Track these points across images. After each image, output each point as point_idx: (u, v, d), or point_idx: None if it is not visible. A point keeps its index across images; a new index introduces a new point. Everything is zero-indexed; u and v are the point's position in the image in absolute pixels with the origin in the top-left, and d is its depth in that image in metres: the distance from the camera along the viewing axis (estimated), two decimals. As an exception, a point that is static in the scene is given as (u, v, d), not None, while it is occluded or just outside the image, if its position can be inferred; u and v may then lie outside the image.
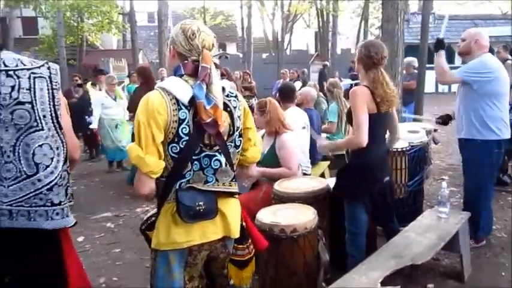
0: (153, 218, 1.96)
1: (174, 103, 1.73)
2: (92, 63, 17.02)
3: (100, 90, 7.88)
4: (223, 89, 1.87)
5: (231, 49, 31.04)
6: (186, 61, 1.81)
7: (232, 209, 1.91)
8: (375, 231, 3.30)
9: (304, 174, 3.93)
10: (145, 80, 5.90)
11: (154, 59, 22.83)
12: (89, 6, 19.82)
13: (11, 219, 1.60)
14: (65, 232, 1.81)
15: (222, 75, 6.51)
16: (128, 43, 23.18)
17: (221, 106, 1.79)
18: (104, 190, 6.16)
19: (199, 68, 1.76)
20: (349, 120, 2.81)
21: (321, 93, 7.68)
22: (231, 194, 1.91)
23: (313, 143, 4.00)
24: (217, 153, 1.82)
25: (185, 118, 1.74)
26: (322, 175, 4.70)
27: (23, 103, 1.61)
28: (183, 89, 1.76)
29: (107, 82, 7.19)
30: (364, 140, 2.63)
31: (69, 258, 1.81)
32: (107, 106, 6.88)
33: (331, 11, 22.32)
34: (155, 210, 1.97)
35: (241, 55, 23.90)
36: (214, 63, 1.84)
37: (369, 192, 2.79)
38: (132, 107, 5.99)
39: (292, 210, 2.87)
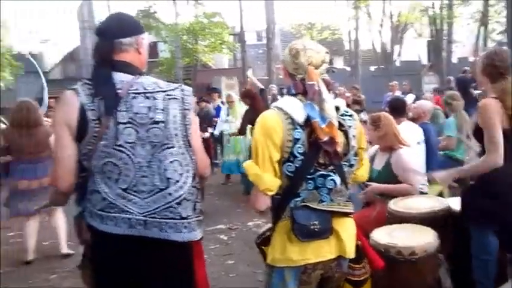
0: (268, 233, 2.00)
1: (290, 122, 1.77)
2: (205, 81, 18.09)
3: (213, 107, 8.44)
4: (338, 108, 1.86)
5: (338, 63, 30.75)
6: (295, 80, 1.85)
7: (347, 228, 1.88)
8: (505, 257, 2.97)
9: (421, 193, 3.71)
10: (252, 102, 6.19)
11: (263, 75, 23.54)
12: (203, 29, 21.16)
13: (146, 229, 1.74)
14: (197, 245, 1.93)
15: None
16: (238, 62, 24.24)
17: (336, 123, 1.78)
18: (218, 202, 6.45)
19: (306, 86, 1.79)
20: (477, 137, 2.59)
21: (437, 106, 7.22)
22: (345, 214, 1.88)
23: (429, 159, 3.77)
24: (331, 173, 1.81)
25: (300, 138, 1.76)
26: (441, 194, 4.39)
27: (157, 122, 1.76)
28: (297, 108, 1.79)
29: (227, 99, 7.74)
30: (501, 160, 2.40)
31: (199, 271, 1.93)
32: (225, 121, 7.36)
33: (446, 18, 21.03)
34: (269, 225, 2.02)
35: (348, 68, 23.58)
36: (324, 79, 1.84)
37: (500, 215, 2.53)
38: (242, 127, 6.31)
39: (409, 232, 2.72)
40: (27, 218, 4.45)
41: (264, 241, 2.04)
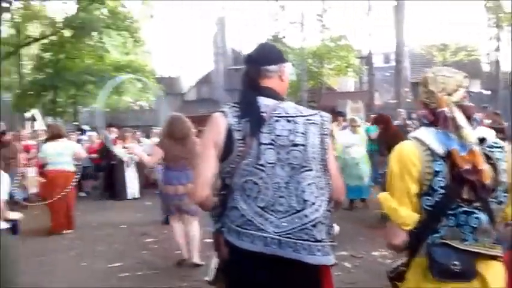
0: (402, 268, 1.91)
1: (429, 154, 1.68)
2: (329, 104, 18.07)
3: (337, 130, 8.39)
4: (483, 139, 1.72)
5: (475, 86, 28.35)
6: (427, 109, 1.77)
7: (495, 273, 1.69)
8: None
9: None
10: (386, 126, 6.03)
11: (390, 99, 22.73)
12: (329, 52, 21.29)
13: (280, 248, 1.78)
14: (327, 270, 1.95)
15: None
16: (364, 85, 23.79)
17: (478, 151, 1.65)
18: (341, 228, 6.31)
19: (436, 114, 1.70)
20: None
21: None
22: (493, 257, 1.71)
23: None
24: (476, 210, 1.66)
25: (441, 170, 1.66)
26: None
27: (297, 145, 1.83)
28: (436, 139, 1.70)
29: (350, 123, 7.68)
30: None
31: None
32: (349, 145, 7.29)
33: None
34: (403, 259, 1.93)
35: (487, 92, 21.60)
36: (463, 105, 1.73)
37: None
38: (382, 150, 6.20)
39: None
40: (174, 219, 4.92)
41: (397, 276, 1.96)
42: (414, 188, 1.68)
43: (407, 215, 1.69)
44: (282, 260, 1.79)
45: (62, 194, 6.52)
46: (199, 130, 11.41)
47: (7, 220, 3.03)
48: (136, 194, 9.92)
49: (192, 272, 4.68)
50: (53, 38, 21.64)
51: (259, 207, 1.81)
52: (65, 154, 6.80)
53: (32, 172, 9.09)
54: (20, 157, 8.91)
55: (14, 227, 3.08)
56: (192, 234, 4.85)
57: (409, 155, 1.70)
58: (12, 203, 3.34)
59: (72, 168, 6.91)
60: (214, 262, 2.27)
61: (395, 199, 1.70)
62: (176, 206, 4.79)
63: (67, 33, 21.31)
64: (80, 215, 7.61)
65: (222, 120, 1.89)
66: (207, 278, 3.54)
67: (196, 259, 4.81)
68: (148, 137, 12.18)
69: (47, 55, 22.21)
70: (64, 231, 6.67)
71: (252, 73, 1.98)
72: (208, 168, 1.89)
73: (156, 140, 10.63)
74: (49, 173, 6.87)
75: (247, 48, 24.99)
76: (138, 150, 6.62)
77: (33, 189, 9.36)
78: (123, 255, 5.41)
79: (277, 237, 1.79)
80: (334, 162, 2.00)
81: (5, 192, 3.11)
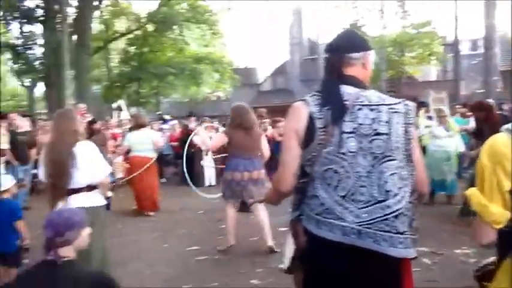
0: (490, 267, 1.79)
1: None
2: (410, 94, 17.28)
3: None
4: None
5: None
6: None
7: None
8: None
9: None
10: (488, 114, 5.56)
11: (477, 89, 21.24)
12: (410, 39, 20.32)
13: (359, 239, 1.76)
14: (407, 264, 1.88)
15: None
16: (448, 74, 22.45)
17: None
18: (422, 223, 6.05)
19: None
20: None
21: None
22: None
23: None
24: None
25: None
26: None
27: (380, 134, 1.78)
28: None
29: (438, 114, 7.28)
30: None
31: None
32: (438, 137, 6.93)
33: None
34: (491, 258, 1.81)
35: None
36: None
37: None
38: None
39: None
40: (231, 205, 5.12)
41: (485, 275, 1.84)
42: (507, 185, 1.55)
43: (499, 213, 1.56)
44: (362, 250, 1.76)
45: (143, 176, 7.21)
46: (273, 120, 11.47)
47: (106, 197, 3.31)
48: (213, 181, 10.24)
49: (266, 258, 4.75)
50: (138, 32, 22.92)
51: (339, 196, 1.79)
52: (146, 142, 7.36)
53: (118, 158, 9.72)
54: (108, 144, 9.55)
55: (108, 205, 3.34)
56: (261, 219, 5.04)
57: (503, 148, 1.57)
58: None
59: (152, 155, 7.48)
60: (290, 250, 2.28)
61: (486, 195, 1.58)
62: (241, 192, 4.98)
63: (150, 27, 22.46)
64: (161, 200, 8.04)
65: (304, 109, 1.88)
66: (281, 266, 3.59)
67: (270, 242, 4.97)
68: (224, 126, 12.47)
69: (132, 49, 23.59)
70: (149, 213, 7.21)
71: (335, 61, 1.95)
72: (292, 158, 1.90)
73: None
74: (132, 159, 7.44)
75: (324, 38, 24.64)
76: (202, 134, 6.90)
77: (119, 174, 10.03)
78: (200, 240, 5.62)
79: (356, 227, 1.76)
80: (418, 153, 1.91)
81: (107, 171, 3.39)
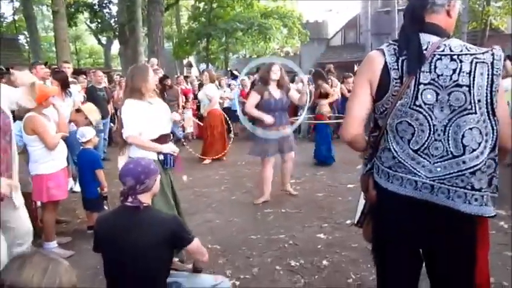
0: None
1: None
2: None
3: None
4: None
5: None
6: None
7: None
8: None
9: None
10: None
11: None
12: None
13: (431, 194, 1.69)
14: (484, 223, 1.79)
15: None
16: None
17: None
18: (501, 186, 5.71)
19: None
20: None
21: None
22: None
23: None
24: None
25: None
26: None
27: (461, 86, 1.66)
28: None
29: None
30: None
31: (481, 252, 1.79)
32: None
33: None
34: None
35: None
36: None
37: None
38: None
39: None
40: (268, 163, 5.32)
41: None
42: None
43: None
44: (433, 206, 1.70)
45: (213, 129, 7.94)
46: (344, 76, 11.11)
47: (161, 153, 3.41)
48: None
49: (333, 214, 4.75)
50: (207, -12, 22.84)
51: (412, 150, 1.72)
52: (215, 97, 7.94)
53: (189, 114, 10.02)
54: (180, 100, 9.85)
55: (165, 160, 3.44)
56: (288, 167, 5.52)
57: None
58: (175, 141, 3.74)
59: (219, 109, 8.21)
60: (360, 204, 2.25)
61: None
62: (276, 146, 5.19)
63: (219, -17, 22.28)
64: (230, 154, 8.24)
65: (379, 58, 1.79)
66: (348, 222, 3.58)
67: (289, 188, 5.61)
68: (292, 81, 12.34)
69: (201, 5, 23.63)
70: (217, 163, 7.75)
71: (417, 7, 1.80)
72: (360, 107, 1.84)
73: (300, 85, 10.74)
74: (206, 113, 8.10)
75: (399, -13, 23.04)
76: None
77: (190, 129, 10.39)
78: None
79: (429, 182, 1.69)
80: (504, 107, 1.76)
81: (168, 126, 3.51)
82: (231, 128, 8.82)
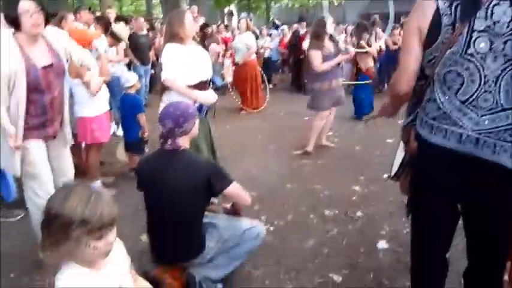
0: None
1: None
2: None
3: None
4: None
5: None
6: None
7: None
8: None
9: None
10: None
11: None
12: None
13: (476, 148, 1.62)
14: None
15: None
16: None
17: None
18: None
19: None
20: None
21: None
22: None
23: None
24: None
25: None
26: None
27: None
28: None
29: None
30: None
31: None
32: None
33: None
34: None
35: None
36: None
37: None
38: None
39: None
40: (323, 116, 5.37)
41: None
42: None
43: None
44: (476, 160, 1.63)
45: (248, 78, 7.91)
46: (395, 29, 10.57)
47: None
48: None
49: (370, 168, 4.72)
50: None
51: (459, 101, 1.64)
52: (253, 46, 7.93)
53: (227, 62, 9.96)
54: (220, 48, 9.78)
55: (200, 108, 3.48)
56: (330, 120, 5.57)
57: None
58: (214, 89, 3.77)
59: (255, 59, 8.21)
60: (398, 157, 2.21)
61: None
62: (330, 100, 5.22)
63: None
64: (268, 104, 8.22)
65: (430, 3, 1.66)
66: (385, 176, 3.54)
67: (326, 142, 5.70)
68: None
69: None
70: (253, 111, 7.87)
71: None
72: (413, 60, 1.73)
73: (343, 36, 10.40)
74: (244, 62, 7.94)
75: None
76: None
77: (229, 78, 10.37)
78: (305, 145, 5.72)
79: (475, 135, 1.62)
80: None
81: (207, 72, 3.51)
82: (264, 79, 8.75)
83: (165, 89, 3.50)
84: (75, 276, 1.17)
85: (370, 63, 7.35)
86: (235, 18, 14.17)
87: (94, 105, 3.96)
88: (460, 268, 2.01)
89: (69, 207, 1.11)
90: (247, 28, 8.01)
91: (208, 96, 3.55)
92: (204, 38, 8.96)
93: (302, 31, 10.53)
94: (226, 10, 26.79)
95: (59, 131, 2.88)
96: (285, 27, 12.60)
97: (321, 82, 5.17)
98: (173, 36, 3.36)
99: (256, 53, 10.64)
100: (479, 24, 1.58)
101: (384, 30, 10.03)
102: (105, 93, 4.08)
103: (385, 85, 9.07)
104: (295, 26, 11.72)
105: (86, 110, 3.93)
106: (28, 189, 2.72)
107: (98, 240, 1.14)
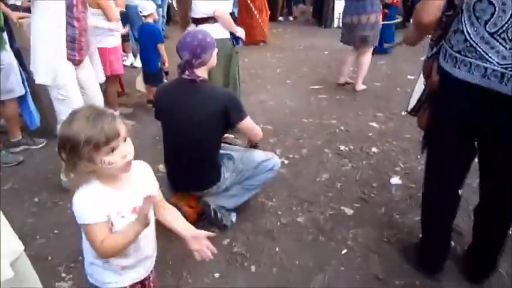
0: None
1: None
2: None
3: None
4: None
5: None
6: None
7: None
8: None
9: None
10: None
11: None
12: None
13: (500, 83, 1.56)
14: None
15: None
16: None
17: None
18: None
19: None
20: None
21: None
22: None
23: None
24: None
25: None
26: None
27: None
28: None
29: None
30: None
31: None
32: None
33: None
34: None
35: None
36: None
37: None
38: None
39: None
40: (350, 53, 5.21)
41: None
42: None
43: None
44: (501, 96, 1.57)
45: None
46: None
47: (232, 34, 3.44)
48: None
49: (388, 104, 4.65)
50: None
51: (488, 32, 1.55)
52: None
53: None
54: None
55: (237, 39, 3.48)
56: (363, 63, 5.06)
57: None
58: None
59: None
60: (416, 91, 2.16)
61: None
62: (356, 37, 4.89)
63: None
64: (288, 38, 8.02)
65: None
66: (404, 113, 3.49)
67: (359, 87, 5.18)
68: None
69: None
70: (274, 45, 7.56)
71: None
72: None
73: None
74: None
75: None
76: None
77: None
78: (323, 79, 5.63)
79: (500, 69, 1.55)
80: None
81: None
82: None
83: (188, 22, 3.41)
84: (89, 190, 1.22)
85: None
86: None
87: (112, 37, 3.94)
88: (471, 205, 2.03)
89: (72, 130, 1.14)
90: None
91: (241, 29, 3.52)
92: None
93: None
94: None
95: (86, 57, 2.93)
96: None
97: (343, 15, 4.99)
98: None
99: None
100: None
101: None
102: (119, 25, 4.03)
103: (410, 20, 8.69)
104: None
105: (105, 40, 3.88)
106: (60, 114, 2.77)
107: (109, 154, 1.17)
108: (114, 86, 4.18)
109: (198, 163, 2.36)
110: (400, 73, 5.87)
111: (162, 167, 2.73)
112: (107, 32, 3.86)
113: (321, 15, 9.91)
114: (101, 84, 3.74)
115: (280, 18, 10.62)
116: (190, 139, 2.31)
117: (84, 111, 1.18)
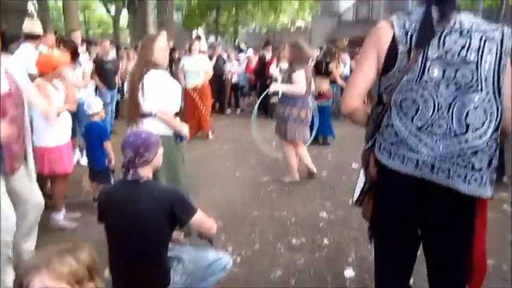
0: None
1: None
2: None
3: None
4: None
5: None
6: None
7: None
8: None
9: None
10: None
11: None
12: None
13: (432, 173, 1.68)
14: (482, 205, 1.79)
15: None
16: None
17: None
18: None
19: None
20: None
21: None
22: None
23: None
24: None
25: None
26: None
27: (468, 63, 1.63)
28: None
29: None
30: None
31: (479, 233, 1.79)
32: None
33: None
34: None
35: None
36: None
37: None
38: None
39: None
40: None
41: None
42: None
43: None
44: (434, 185, 1.69)
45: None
46: (353, 52, 10.95)
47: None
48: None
49: (335, 193, 4.77)
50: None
51: (415, 127, 1.69)
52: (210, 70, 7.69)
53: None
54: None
55: (181, 137, 3.47)
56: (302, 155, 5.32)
57: None
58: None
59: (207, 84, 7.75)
60: (360, 182, 2.24)
61: None
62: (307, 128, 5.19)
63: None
64: (236, 130, 8.24)
65: (387, 30, 1.74)
66: (351, 201, 3.59)
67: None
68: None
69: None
70: (221, 138, 7.55)
71: None
72: (363, 79, 1.80)
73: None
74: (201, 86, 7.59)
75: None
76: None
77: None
78: (272, 171, 5.74)
79: (430, 160, 1.68)
80: (510, 86, 1.70)
81: (171, 104, 3.47)
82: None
83: (137, 118, 3.36)
84: None
85: (327, 86, 7.52)
86: (203, 42, 14.29)
87: (52, 135, 3.72)
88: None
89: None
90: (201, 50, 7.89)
91: (185, 126, 3.52)
92: (171, 63, 8.94)
93: (268, 55, 10.65)
94: (194, 34, 26.94)
95: (21, 166, 2.78)
96: (250, 50, 12.70)
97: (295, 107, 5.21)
98: (148, 63, 3.27)
99: (225, 78, 10.72)
100: (432, 52, 1.66)
101: (350, 54, 10.31)
102: (67, 123, 3.92)
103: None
104: (260, 51, 11.82)
105: (42, 140, 3.68)
106: None
107: None
108: (60, 184, 3.94)
109: (145, 269, 2.25)
110: (344, 162, 6.11)
111: (107, 273, 2.57)
112: (46, 130, 3.64)
113: (267, 106, 10.34)
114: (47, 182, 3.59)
115: (228, 110, 10.97)
116: (134, 245, 2.21)
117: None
